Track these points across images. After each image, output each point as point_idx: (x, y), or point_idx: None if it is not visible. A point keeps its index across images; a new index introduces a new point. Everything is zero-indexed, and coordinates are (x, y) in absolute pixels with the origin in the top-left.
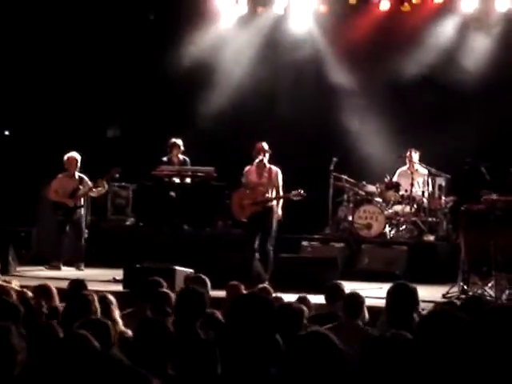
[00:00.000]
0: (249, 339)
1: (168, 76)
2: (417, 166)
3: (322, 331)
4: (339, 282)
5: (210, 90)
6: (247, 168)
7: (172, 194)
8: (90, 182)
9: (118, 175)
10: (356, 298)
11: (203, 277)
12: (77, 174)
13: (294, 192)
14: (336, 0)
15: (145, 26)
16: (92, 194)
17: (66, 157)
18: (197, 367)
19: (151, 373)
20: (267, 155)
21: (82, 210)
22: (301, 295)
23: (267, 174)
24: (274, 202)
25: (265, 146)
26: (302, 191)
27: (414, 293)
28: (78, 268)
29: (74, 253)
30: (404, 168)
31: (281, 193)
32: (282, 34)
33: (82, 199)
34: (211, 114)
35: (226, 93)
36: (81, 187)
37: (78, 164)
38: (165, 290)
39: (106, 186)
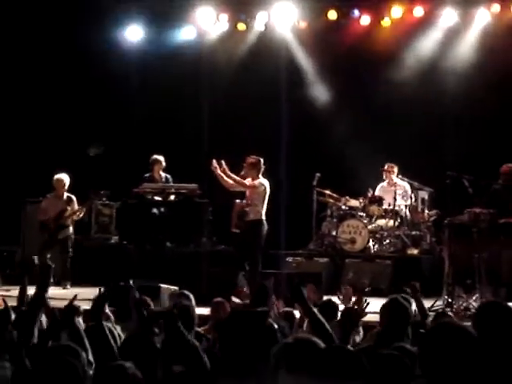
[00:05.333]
0: (244, 356)
1: (149, 91)
2: (395, 179)
3: (307, 337)
4: (330, 298)
5: (192, 106)
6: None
7: (155, 211)
8: (76, 205)
9: (100, 198)
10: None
11: (187, 293)
12: (65, 195)
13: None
14: (316, 15)
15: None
16: (75, 218)
17: (54, 178)
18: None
19: None
20: (259, 170)
21: (70, 230)
22: (286, 310)
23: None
24: (261, 217)
25: (254, 160)
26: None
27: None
28: (65, 287)
29: (60, 272)
30: (384, 183)
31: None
32: (263, 50)
33: (70, 220)
34: (194, 129)
35: (208, 108)
36: (68, 208)
37: (66, 185)
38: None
39: (84, 210)
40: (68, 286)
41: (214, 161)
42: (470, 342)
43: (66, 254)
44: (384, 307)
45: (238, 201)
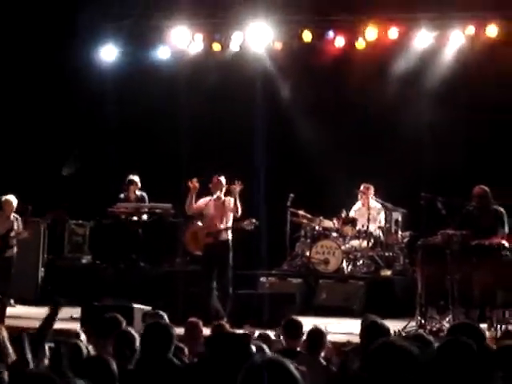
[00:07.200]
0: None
1: (125, 110)
2: (371, 200)
3: (278, 359)
4: (297, 318)
5: (166, 126)
6: (205, 201)
7: (129, 231)
8: (20, 226)
9: (49, 221)
10: (318, 334)
11: (161, 313)
12: (12, 215)
13: (246, 222)
14: (291, 36)
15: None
16: (19, 238)
17: (3, 199)
18: None
19: None
20: (223, 189)
21: (15, 249)
22: (261, 332)
23: (222, 206)
24: (230, 237)
25: (222, 180)
26: (254, 220)
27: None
28: (10, 304)
29: (4, 290)
30: (359, 203)
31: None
32: (238, 70)
33: (15, 239)
34: (170, 148)
35: (183, 128)
36: (15, 228)
37: (14, 207)
38: (127, 329)
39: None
40: (12, 303)
41: (195, 180)
42: (411, 363)
43: (10, 272)
44: (365, 329)
45: (198, 222)
